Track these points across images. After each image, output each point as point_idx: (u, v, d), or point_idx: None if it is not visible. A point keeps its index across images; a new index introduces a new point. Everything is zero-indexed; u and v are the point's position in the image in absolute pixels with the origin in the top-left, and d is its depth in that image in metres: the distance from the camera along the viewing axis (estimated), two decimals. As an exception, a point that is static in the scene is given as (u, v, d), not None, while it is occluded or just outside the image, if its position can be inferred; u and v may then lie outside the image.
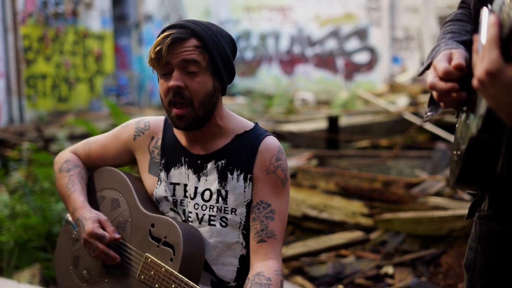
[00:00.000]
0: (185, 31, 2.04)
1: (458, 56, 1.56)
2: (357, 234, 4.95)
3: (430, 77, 1.59)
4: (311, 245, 4.83)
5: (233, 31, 19.69)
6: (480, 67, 1.27)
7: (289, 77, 19.43)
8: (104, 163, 2.39)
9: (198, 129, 2.12)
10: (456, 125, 1.68)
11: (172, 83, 2.02)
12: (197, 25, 2.07)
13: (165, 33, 2.04)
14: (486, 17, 1.37)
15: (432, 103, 1.70)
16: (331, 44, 18.95)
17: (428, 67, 1.67)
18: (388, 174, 7.07)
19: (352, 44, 18.70)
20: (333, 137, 8.64)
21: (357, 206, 5.40)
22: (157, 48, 2.02)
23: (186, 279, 1.99)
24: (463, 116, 1.59)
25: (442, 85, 1.54)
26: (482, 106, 1.36)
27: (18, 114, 12.66)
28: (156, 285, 2.06)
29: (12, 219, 4.97)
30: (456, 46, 1.66)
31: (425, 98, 10.77)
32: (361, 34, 18.55)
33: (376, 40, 18.32)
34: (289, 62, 19.53)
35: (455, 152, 1.63)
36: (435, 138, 8.60)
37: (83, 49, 14.68)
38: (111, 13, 15.54)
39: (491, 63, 1.23)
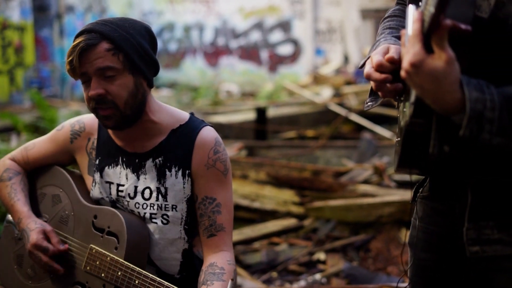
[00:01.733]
0: (94, 35, 1.99)
1: (393, 51, 1.66)
2: (291, 222, 5.05)
3: (367, 68, 1.69)
4: (246, 232, 4.90)
5: (156, 23, 19.52)
6: (405, 59, 1.38)
7: (214, 69, 19.42)
8: None
9: (129, 127, 2.09)
10: (398, 115, 1.77)
11: (91, 92, 1.99)
12: (106, 25, 2.02)
13: (75, 42, 2.00)
14: (411, 13, 1.47)
15: (373, 93, 1.80)
16: (255, 36, 19.06)
17: (368, 59, 1.77)
18: (316, 163, 7.21)
19: (276, 36, 18.85)
20: (261, 128, 8.73)
21: (288, 195, 5.50)
22: (69, 59, 1.99)
23: (132, 265, 2.01)
24: (401, 105, 1.69)
25: (377, 75, 1.64)
26: (412, 94, 1.47)
27: None
28: (103, 274, 2.05)
29: None
30: (394, 42, 1.76)
31: (348, 90, 11.02)
32: (285, 26, 18.73)
33: (300, 32, 18.54)
34: (214, 54, 19.52)
35: (397, 139, 1.72)
36: (360, 128, 8.83)
37: (2, 40, 14.23)
38: (31, 4, 15.12)
39: (415, 55, 1.35)
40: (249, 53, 19.09)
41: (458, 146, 1.48)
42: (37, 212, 2.27)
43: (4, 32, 14.23)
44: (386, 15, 2.02)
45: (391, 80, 1.64)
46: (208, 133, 2.15)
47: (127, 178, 2.16)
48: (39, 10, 15.97)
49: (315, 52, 18.44)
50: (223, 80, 18.45)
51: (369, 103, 1.82)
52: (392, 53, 1.64)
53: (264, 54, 18.93)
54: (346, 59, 17.24)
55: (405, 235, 1.92)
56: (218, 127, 8.38)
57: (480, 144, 1.39)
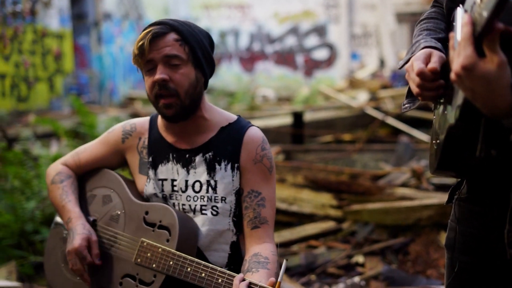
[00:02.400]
0: (164, 26, 2.15)
1: (436, 59, 1.67)
2: (329, 224, 5.07)
3: (412, 74, 1.70)
4: (285, 235, 4.93)
5: (192, 29, 19.65)
6: (456, 62, 1.38)
7: (250, 74, 19.51)
8: None
9: (185, 120, 2.20)
10: (434, 117, 1.79)
11: (157, 76, 2.11)
12: (175, 21, 2.19)
13: (146, 30, 2.15)
14: (460, 16, 1.49)
15: (410, 95, 1.82)
16: (291, 41, 19.10)
17: (407, 61, 1.78)
18: (353, 167, 7.21)
19: (311, 41, 18.87)
20: (298, 132, 8.76)
21: (326, 198, 5.51)
22: (140, 43, 2.13)
23: (184, 254, 2.09)
24: (441, 108, 1.70)
25: (425, 83, 1.66)
26: (459, 97, 1.47)
27: (-23, 114, 12.48)
28: (154, 265, 2.14)
29: (-16, 218, 4.96)
30: (435, 44, 1.77)
31: (384, 93, 10.98)
32: (320, 31, 18.74)
33: (335, 37, 18.53)
34: (249, 60, 19.61)
35: (434, 142, 1.73)
36: (397, 132, 8.79)
37: (42, 48, 14.50)
38: (69, 12, 15.39)
39: (466, 58, 1.35)
40: (285, 58, 19.13)
41: (506, 150, 1.48)
42: (87, 213, 2.37)
43: (43, 40, 14.50)
44: (422, 17, 2.03)
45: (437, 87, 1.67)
46: (255, 131, 2.27)
47: (178, 173, 2.26)
48: (77, 18, 16.24)
49: (350, 56, 18.40)
50: (259, 85, 18.52)
51: (406, 105, 1.84)
52: (435, 62, 1.66)
53: (300, 59, 18.96)
54: (382, 63, 17.16)
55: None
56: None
57: None
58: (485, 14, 1.30)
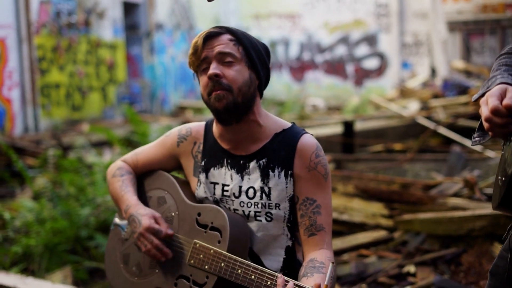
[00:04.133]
0: (218, 28, 2.22)
1: (511, 95, 1.67)
2: (381, 233, 5.04)
3: (484, 110, 1.70)
4: (336, 244, 4.93)
5: (243, 39, 19.81)
6: None
7: (300, 83, 19.54)
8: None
9: (237, 121, 2.23)
10: (502, 152, 1.79)
11: (210, 71, 2.16)
12: (230, 27, 2.25)
13: (201, 32, 2.23)
14: None
15: (481, 129, 1.81)
16: (341, 51, 19.06)
17: (483, 95, 1.78)
18: (404, 177, 7.15)
19: (362, 50, 18.79)
20: (348, 142, 8.74)
21: (377, 207, 5.49)
22: (194, 41, 2.20)
23: (234, 256, 2.12)
24: (510, 147, 1.71)
25: (497, 120, 1.66)
26: None
27: (33, 123, 12.80)
28: (206, 266, 2.18)
29: (41, 224, 5.09)
30: None
31: (436, 103, 10.86)
32: (371, 40, 18.65)
33: (386, 46, 18.42)
34: (299, 69, 19.64)
35: (499, 177, 1.74)
36: (448, 141, 8.68)
37: (96, 58, 14.82)
38: (122, 22, 15.69)
39: None
40: (335, 68, 19.10)
41: None
42: None
43: (97, 50, 14.82)
44: (502, 52, 2.02)
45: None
46: (309, 138, 2.28)
47: (231, 179, 2.30)
48: (130, 29, 16.54)
49: (401, 65, 18.26)
50: (309, 95, 18.52)
51: (476, 139, 1.84)
52: (510, 98, 1.66)
53: (350, 68, 18.90)
54: (433, 72, 16.96)
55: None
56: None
57: None
58: None
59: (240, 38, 2.20)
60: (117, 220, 2.52)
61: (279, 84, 19.54)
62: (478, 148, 7.88)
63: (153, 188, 2.48)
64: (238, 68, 2.17)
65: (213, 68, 2.16)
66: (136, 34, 16.90)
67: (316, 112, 15.37)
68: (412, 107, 11.24)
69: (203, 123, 2.45)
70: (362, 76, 18.76)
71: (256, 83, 2.24)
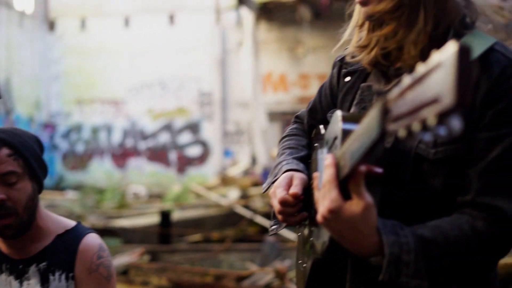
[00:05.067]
0: None
1: (297, 182, 1.70)
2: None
3: (274, 202, 1.71)
4: None
5: (64, 124, 19.37)
6: (322, 205, 1.37)
7: (122, 170, 19.24)
8: None
9: (23, 234, 2.10)
10: (299, 234, 1.82)
11: None
12: (4, 132, 2.08)
13: None
14: (323, 156, 1.50)
15: (275, 217, 1.83)
16: (164, 138, 19.13)
17: (272, 184, 1.79)
18: (219, 267, 7.14)
19: (185, 137, 19.00)
20: (165, 232, 8.62)
21: (189, 301, 5.39)
22: None
23: None
24: (305, 230, 1.74)
25: (287, 210, 1.66)
26: (325, 234, 1.48)
27: None
28: None
29: None
30: (297, 166, 1.80)
31: (255, 191, 11.12)
32: (194, 128, 18.93)
33: (208, 134, 18.77)
34: (122, 156, 19.38)
35: (300, 262, 1.76)
36: (265, 230, 8.85)
37: None
38: None
39: (332, 202, 1.34)
40: (158, 155, 19.08)
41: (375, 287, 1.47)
42: None
43: None
44: (284, 134, 2.08)
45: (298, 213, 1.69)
46: (92, 239, 2.18)
47: (11, 285, 2.14)
48: None
49: (223, 153, 18.64)
50: (131, 182, 18.26)
51: (273, 227, 1.86)
52: (296, 185, 1.68)
53: (173, 156, 18.97)
54: (253, 161, 17.47)
55: None
56: (121, 231, 8.25)
57: (398, 286, 1.38)
58: (350, 161, 1.29)
59: (19, 149, 2.05)
60: None
61: (100, 171, 19.14)
62: (292, 237, 8.10)
63: None
64: (21, 185, 2.05)
65: None
66: None
67: (137, 200, 15.15)
68: (232, 195, 11.42)
69: None
70: (184, 163, 18.89)
71: (37, 189, 2.13)
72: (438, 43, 1.50)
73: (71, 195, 15.99)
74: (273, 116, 18.09)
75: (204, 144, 18.83)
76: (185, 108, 19.00)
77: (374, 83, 1.72)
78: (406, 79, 1.05)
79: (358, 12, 1.74)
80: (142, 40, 18.89)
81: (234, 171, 16.15)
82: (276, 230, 1.84)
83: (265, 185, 1.88)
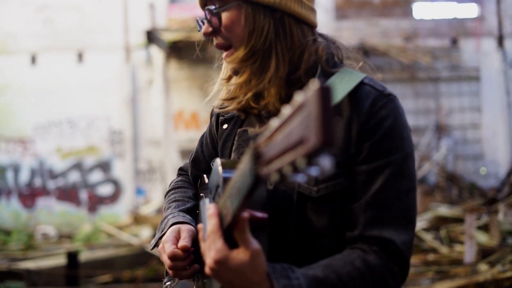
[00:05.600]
0: None
1: (185, 234, 1.71)
2: None
3: (164, 258, 1.72)
4: None
5: (-32, 164, 18.67)
6: (208, 257, 1.37)
7: (30, 210, 18.64)
8: None
9: None
10: (194, 284, 1.81)
11: None
12: None
13: None
14: (206, 206, 1.48)
15: (168, 273, 1.82)
16: (74, 177, 18.72)
17: (161, 238, 1.80)
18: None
19: (96, 176, 18.65)
20: (72, 273, 8.40)
21: None
22: None
23: None
24: (199, 283, 1.75)
25: (176, 264, 1.68)
26: (216, 285, 1.47)
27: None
28: None
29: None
30: (183, 218, 1.81)
31: (166, 229, 11.02)
32: (105, 166, 18.63)
33: (120, 172, 18.50)
34: (30, 195, 18.81)
35: None
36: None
37: None
38: None
39: (218, 252, 1.34)
40: (68, 194, 18.63)
41: None
42: None
43: None
44: (169, 188, 2.08)
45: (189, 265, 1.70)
46: None
47: None
48: None
49: (135, 191, 18.40)
50: (40, 222, 17.72)
51: (167, 284, 1.85)
52: (184, 238, 1.69)
53: (83, 195, 18.57)
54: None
55: None
56: (26, 274, 7.97)
57: None
58: (231, 209, 1.28)
59: None
60: None
61: (7, 211, 18.48)
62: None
63: None
64: None
65: None
66: None
67: (46, 241, 14.71)
68: (144, 234, 11.29)
69: None
70: (96, 202, 18.51)
71: None
72: (301, 84, 1.56)
73: (-26, 237, 15.39)
74: (186, 153, 18.05)
75: (115, 183, 18.53)
76: (96, 146, 18.69)
77: (249, 128, 1.76)
78: (274, 122, 1.06)
79: (225, 66, 1.80)
80: (50, 78, 18.54)
81: (147, 210, 15.96)
82: (170, 286, 1.83)
83: (153, 242, 1.88)
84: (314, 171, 0.95)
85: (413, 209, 1.59)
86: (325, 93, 0.93)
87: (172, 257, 1.67)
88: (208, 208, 1.40)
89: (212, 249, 1.35)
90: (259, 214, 1.37)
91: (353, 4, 16.28)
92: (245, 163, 1.17)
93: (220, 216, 1.36)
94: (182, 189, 2.04)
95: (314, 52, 1.65)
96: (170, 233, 1.75)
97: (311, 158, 0.93)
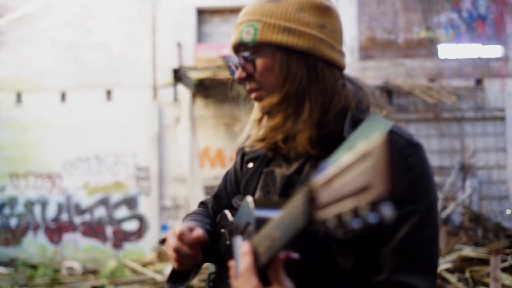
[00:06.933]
0: None
1: (200, 231, 1.76)
2: None
3: (171, 240, 1.79)
4: None
5: (-3, 198, 18.94)
6: None
7: (56, 245, 18.81)
8: None
9: None
10: None
11: None
12: None
13: None
14: (239, 244, 1.50)
15: (172, 280, 1.89)
16: (100, 212, 18.89)
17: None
18: None
19: (121, 212, 18.79)
20: (98, 309, 8.49)
21: None
22: None
23: None
24: None
25: (184, 247, 1.75)
26: None
27: None
28: None
29: None
30: (200, 225, 1.87)
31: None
32: (130, 202, 18.78)
33: (145, 209, 18.62)
34: (56, 230, 18.99)
35: None
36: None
37: None
38: None
39: None
40: (94, 230, 18.78)
41: None
42: None
43: None
44: (191, 212, 2.15)
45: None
46: None
47: None
48: None
49: (160, 228, 18.48)
50: (66, 257, 17.87)
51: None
52: (199, 231, 1.74)
53: (109, 231, 18.70)
54: (191, 235, 17.37)
55: None
56: (53, 309, 8.08)
57: None
58: (270, 249, 1.29)
59: None
60: None
61: (34, 246, 18.67)
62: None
63: None
64: None
65: None
66: None
67: (72, 276, 14.82)
68: (168, 271, 11.32)
69: None
70: (121, 238, 18.62)
71: None
72: (329, 128, 1.63)
73: (1, 270, 15.53)
74: (210, 190, 18.14)
75: (141, 219, 18.66)
76: (122, 183, 18.87)
77: (276, 168, 1.79)
78: (331, 168, 1.07)
79: (257, 107, 1.85)
80: (78, 115, 18.87)
81: (171, 247, 16.00)
82: None
83: (163, 237, 1.92)
84: (373, 218, 0.98)
85: (436, 257, 1.62)
86: (393, 144, 0.97)
87: (180, 236, 1.73)
88: (242, 246, 1.43)
89: (246, 287, 1.36)
90: (294, 255, 1.38)
91: (377, 44, 16.42)
92: (295, 205, 1.18)
93: (255, 255, 1.38)
94: (201, 216, 2.11)
95: (344, 98, 1.69)
96: (183, 224, 1.82)
97: (374, 205, 0.96)
